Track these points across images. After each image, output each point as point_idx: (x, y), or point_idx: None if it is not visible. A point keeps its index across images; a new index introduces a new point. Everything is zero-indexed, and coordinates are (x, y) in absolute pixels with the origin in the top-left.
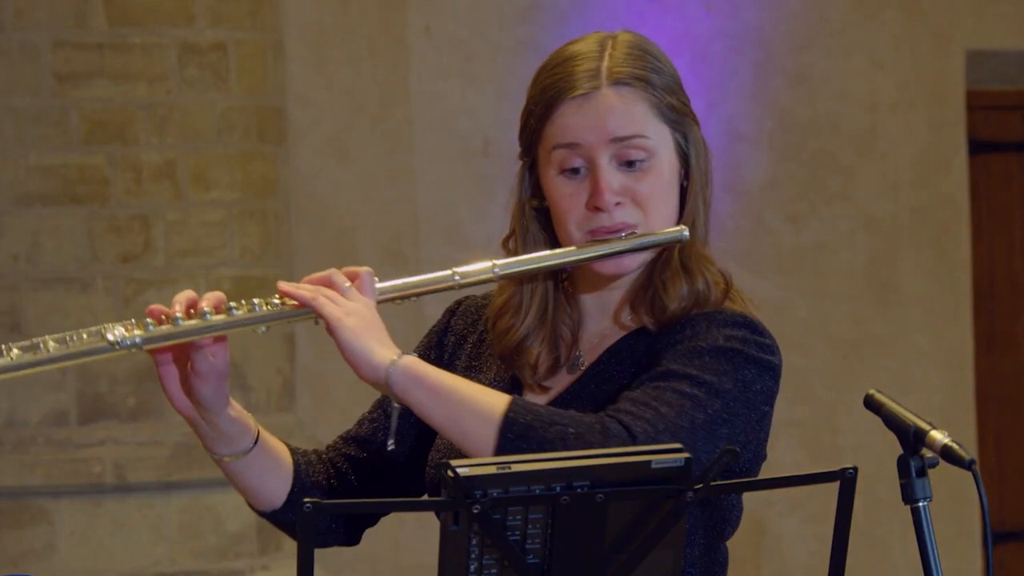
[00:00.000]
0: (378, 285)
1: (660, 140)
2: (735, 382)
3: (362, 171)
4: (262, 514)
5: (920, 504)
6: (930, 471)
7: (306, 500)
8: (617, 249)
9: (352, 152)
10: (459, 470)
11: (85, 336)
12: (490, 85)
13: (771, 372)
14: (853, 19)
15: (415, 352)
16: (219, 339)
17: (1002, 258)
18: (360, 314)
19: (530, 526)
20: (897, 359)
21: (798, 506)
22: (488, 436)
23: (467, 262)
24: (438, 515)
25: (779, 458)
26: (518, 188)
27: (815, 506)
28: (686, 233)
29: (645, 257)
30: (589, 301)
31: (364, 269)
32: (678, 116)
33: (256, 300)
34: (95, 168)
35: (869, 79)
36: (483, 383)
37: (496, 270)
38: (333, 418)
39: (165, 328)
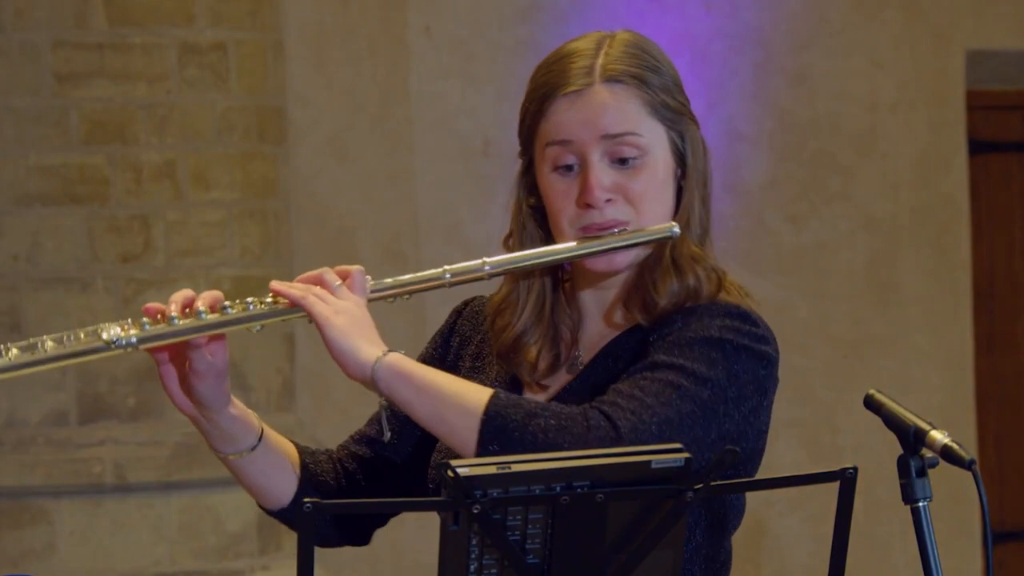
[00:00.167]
0: (370, 283)
1: (654, 138)
2: (725, 371)
3: (362, 171)
4: (270, 512)
5: (920, 504)
6: (930, 471)
7: (306, 500)
8: (608, 246)
9: (352, 152)
10: (459, 470)
11: (82, 336)
12: (490, 85)
13: (764, 361)
14: (853, 19)
15: (422, 355)
16: (217, 338)
17: (1002, 258)
18: (349, 312)
19: (530, 526)
20: (897, 359)
21: (798, 506)
22: (471, 430)
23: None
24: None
25: (779, 458)
26: (516, 186)
27: (815, 506)
28: (676, 229)
29: (637, 254)
30: (588, 300)
31: (355, 268)
32: (674, 115)
33: (250, 299)
34: (95, 168)
35: (869, 79)
36: (485, 383)
37: (487, 267)
38: (333, 418)
39: (160, 328)
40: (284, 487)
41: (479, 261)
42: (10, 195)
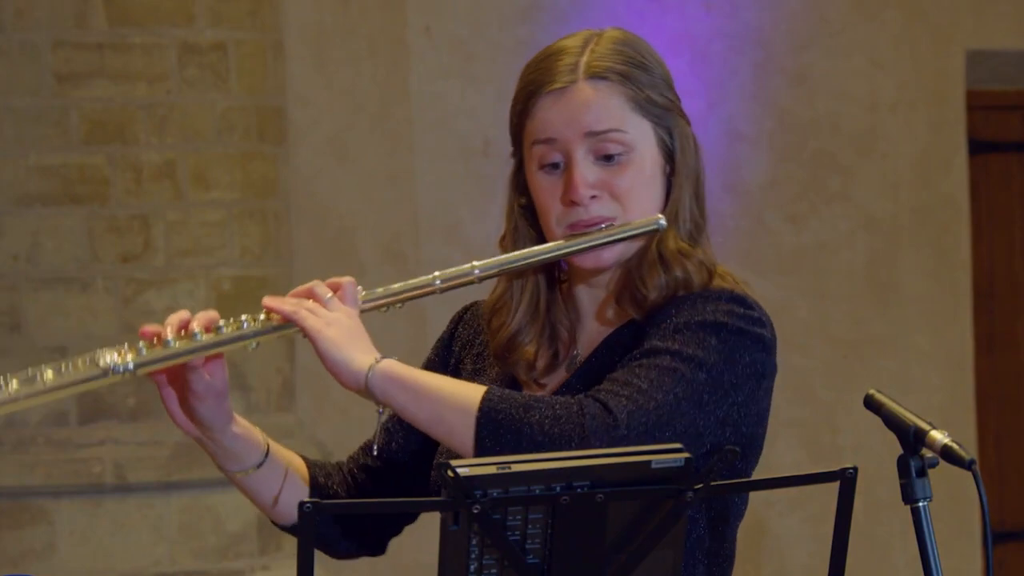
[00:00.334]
0: (361, 294)
1: (639, 134)
2: (720, 354)
3: (362, 171)
4: (283, 528)
5: (920, 504)
6: (930, 471)
7: (305, 500)
8: (595, 243)
9: (352, 152)
10: (459, 470)
11: (80, 364)
12: (490, 85)
13: (760, 344)
14: (853, 19)
15: (425, 362)
16: (214, 358)
17: (1002, 258)
18: (341, 324)
19: (530, 526)
20: (897, 359)
21: (798, 506)
22: (468, 427)
23: (466, 262)
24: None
25: (779, 458)
26: (509, 186)
27: (815, 506)
28: (663, 221)
29: (625, 250)
30: (584, 299)
31: (346, 279)
32: (661, 111)
33: (244, 317)
34: (95, 168)
35: (869, 79)
36: (485, 384)
37: (477, 271)
38: (333, 418)
39: (157, 352)
40: (295, 502)
41: (468, 265)
42: (10, 195)
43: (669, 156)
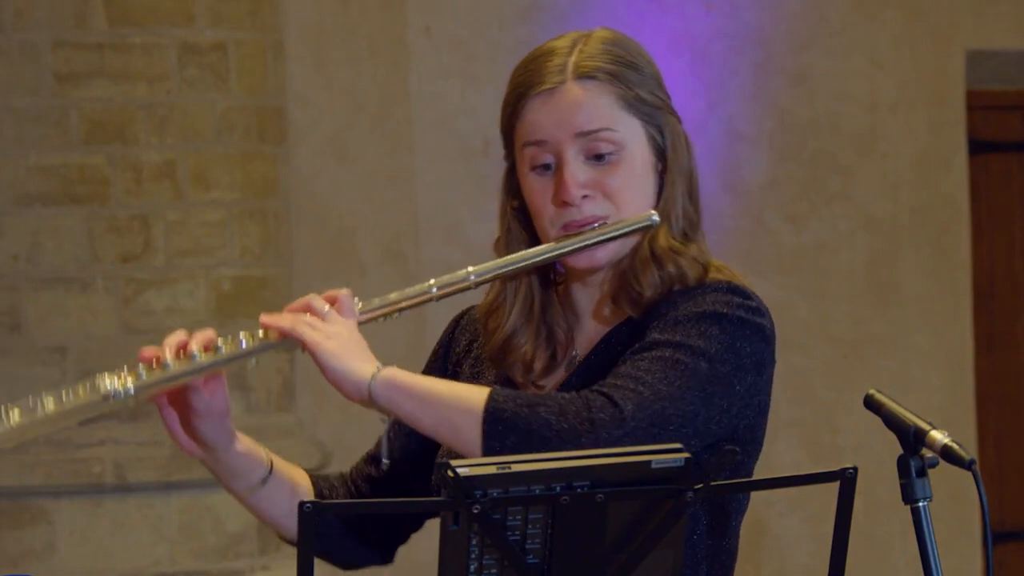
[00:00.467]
0: (358, 305)
1: (629, 133)
2: (722, 344)
3: (362, 171)
4: (292, 543)
5: (920, 504)
6: (930, 471)
7: (305, 501)
8: (588, 242)
9: (352, 152)
10: (459, 470)
11: (80, 391)
12: (490, 85)
13: (760, 334)
14: (853, 19)
15: (425, 368)
16: (214, 377)
17: (1002, 258)
18: (340, 336)
19: (530, 526)
20: (897, 359)
21: (798, 506)
22: (474, 428)
23: (466, 262)
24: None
25: (779, 458)
26: (502, 188)
27: (815, 506)
28: (656, 217)
29: (618, 248)
30: (581, 298)
31: (343, 292)
32: (651, 109)
33: (242, 334)
34: (95, 168)
35: (869, 79)
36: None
37: (472, 276)
38: (333, 418)
39: (156, 375)
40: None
41: (464, 271)
42: (10, 195)
43: (660, 154)
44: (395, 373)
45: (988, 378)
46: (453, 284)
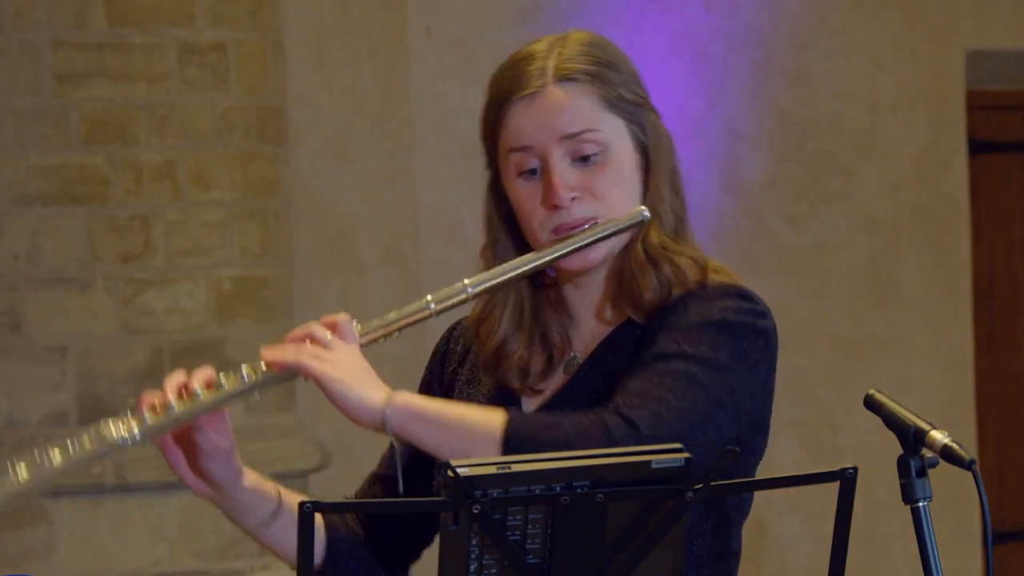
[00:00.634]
0: (357, 328)
1: (613, 132)
2: (730, 353)
3: (362, 171)
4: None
5: (920, 504)
6: (930, 471)
7: (304, 501)
8: (581, 243)
9: (352, 152)
10: (459, 470)
11: (86, 440)
12: None
13: (766, 337)
14: (853, 19)
15: (423, 379)
16: (217, 414)
17: (1002, 258)
18: (346, 364)
19: (530, 526)
20: (897, 359)
21: (798, 506)
22: (493, 454)
23: (466, 262)
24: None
25: (779, 458)
26: (486, 198)
27: (815, 506)
28: (646, 213)
29: (611, 247)
30: (575, 299)
31: (341, 316)
32: (632, 107)
33: (244, 368)
34: (95, 168)
35: (869, 79)
36: (481, 395)
37: (469, 289)
38: (333, 418)
39: (161, 418)
40: (318, 548)
41: (460, 284)
42: (10, 195)
43: (644, 152)
44: (409, 399)
45: (988, 378)
46: (450, 298)
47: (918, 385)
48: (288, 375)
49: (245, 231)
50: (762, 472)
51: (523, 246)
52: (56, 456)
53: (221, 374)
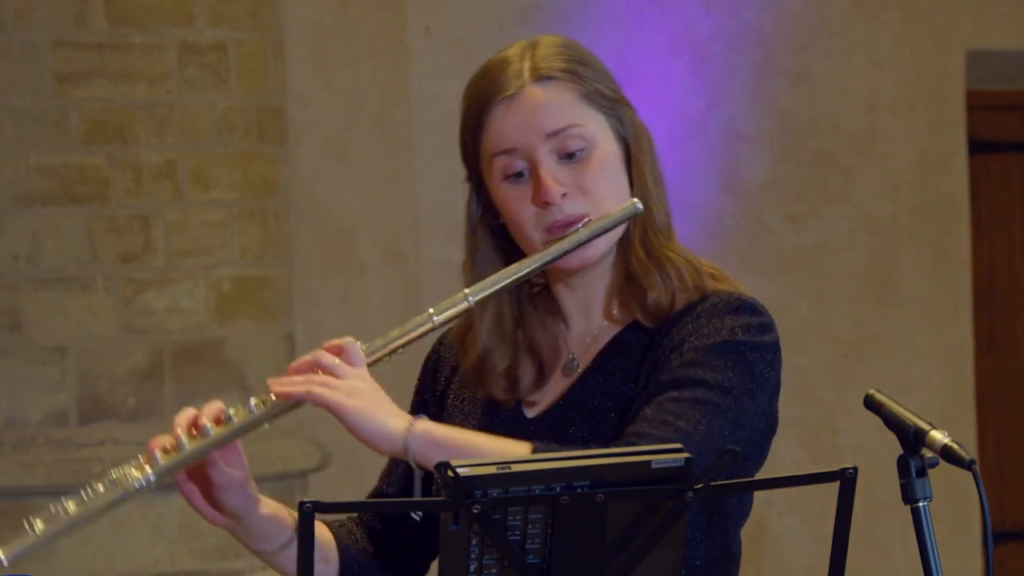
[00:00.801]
0: (362, 348)
1: (596, 127)
2: (743, 374)
3: (362, 171)
4: None
5: (920, 504)
6: (930, 471)
7: (304, 501)
8: (578, 241)
9: (352, 152)
10: (459, 470)
11: (101, 488)
12: None
13: (775, 350)
14: (853, 19)
15: (416, 389)
16: (229, 447)
17: (1002, 258)
18: (360, 391)
19: (530, 526)
20: (897, 359)
21: (798, 506)
22: None
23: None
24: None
25: (779, 458)
26: (467, 209)
27: (815, 506)
28: (639, 206)
29: (608, 243)
30: (568, 301)
31: (347, 340)
32: (610, 102)
33: (252, 400)
34: (95, 168)
35: (869, 79)
36: (476, 405)
37: (470, 298)
38: (333, 419)
39: (173, 457)
40: (327, 572)
41: (461, 294)
42: (10, 195)
43: (625, 146)
44: (429, 427)
45: (988, 378)
46: (452, 310)
47: (918, 385)
48: (297, 404)
49: (245, 231)
50: (762, 472)
51: (509, 255)
52: (71, 506)
53: (231, 409)
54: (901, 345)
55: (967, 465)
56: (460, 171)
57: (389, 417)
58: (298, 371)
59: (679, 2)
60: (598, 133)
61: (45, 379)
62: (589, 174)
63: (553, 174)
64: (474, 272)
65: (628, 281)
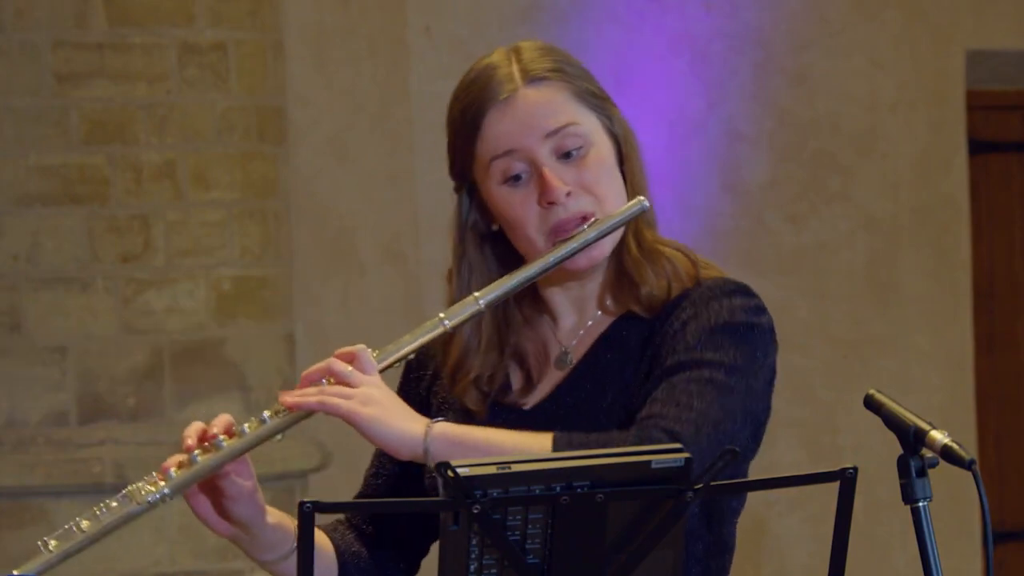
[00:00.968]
0: (374, 355)
1: (590, 125)
2: (744, 353)
3: (362, 171)
4: None
5: (920, 504)
6: (930, 471)
7: (304, 501)
8: (589, 239)
9: (352, 152)
10: (459, 470)
11: (114, 504)
12: None
13: (771, 331)
14: (853, 19)
15: (399, 384)
16: (239, 459)
17: (1002, 258)
18: (374, 399)
19: (530, 526)
20: (897, 359)
21: (798, 506)
22: None
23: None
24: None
25: (779, 458)
26: (456, 219)
27: (815, 506)
28: (646, 203)
29: (613, 242)
30: (561, 299)
31: (358, 348)
32: (599, 101)
33: (266, 413)
34: (95, 168)
35: (869, 79)
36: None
37: (481, 301)
38: (333, 418)
39: (187, 472)
40: None
41: (471, 297)
42: (10, 195)
43: (617, 143)
44: (447, 427)
45: (988, 378)
46: (463, 314)
47: (918, 385)
48: (311, 414)
49: (245, 231)
50: (762, 472)
51: (502, 262)
52: (84, 524)
53: (246, 424)
54: (901, 345)
55: (967, 465)
56: None
57: (406, 422)
58: (310, 379)
59: (679, 2)
60: (593, 131)
61: (45, 379)
62: (589, 172)
63: (557, 173)
64: (461, 281)
65: (621, 275)
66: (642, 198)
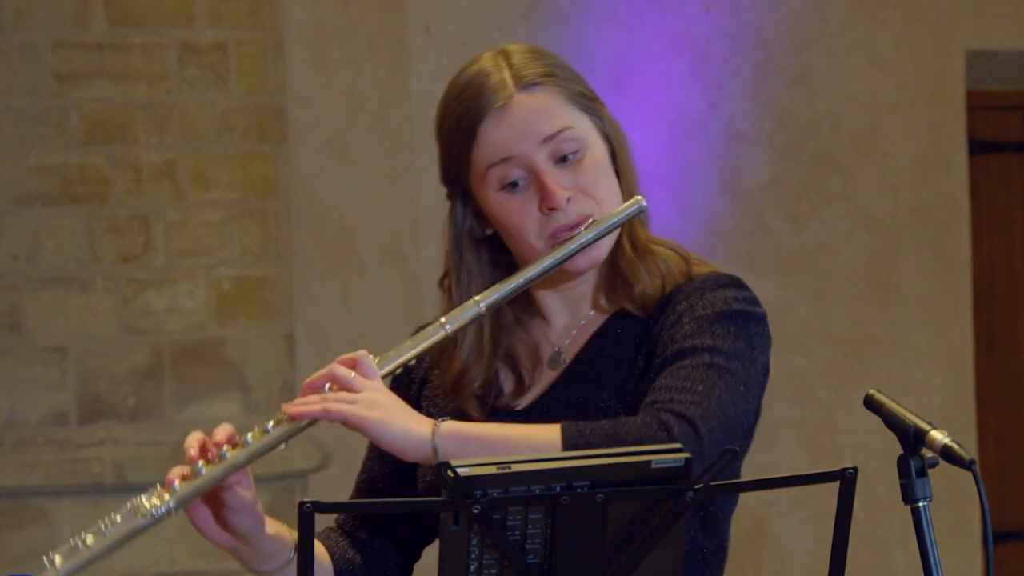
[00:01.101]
0: (376, 361)
1: (585, 128)
2: (742, 340)
3: (362, 171)
4: None
5: (920, 504)
6: (930, 471)
7: (305, 501)
8: (587, 240)
9: (352, 152)
10: (459, 470)
11: (119, 519)
12: None
13: (764, 321)
14: (853, 19)
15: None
16: (240, 470)
17: (1002, 258)
18: (379, 402)
19: (530, 526)
20: (897, 359)
21: (798, 506)
22: None
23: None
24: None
25: (779, 458)
26: (450, 226)
27: (815, 506)
28: (644, 203)
29: (611, 242)
30: (554, 301)
31: (360, 353)
32: (590, 102)
33: (269, 423)
34: (95, 168)
35: (869, 79)
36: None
37: (481, 304)
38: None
39: (192, 485)
40: None
41: (471, 301)
42: (10, 195)
43: (609, 143)
44: (454, 425)
45: (988, 378)
46: (464, 318)
47: (918, 385)
48: (314, 422)
49: (245, 231)
50: (762, 472)
51: (498, 267)
52: (89, 539)
53: (249, 434)
54: (901, 345)
55: (967, 465)
56: None
57: (412, 423)
58: (313, 386)
59: (679, 2)
60: (588, 134)
61: (45, 379)
62: (586, 175)
63: (557, 179)
64: (460, 286)
65: (615, 275)
66: (639, 198)
